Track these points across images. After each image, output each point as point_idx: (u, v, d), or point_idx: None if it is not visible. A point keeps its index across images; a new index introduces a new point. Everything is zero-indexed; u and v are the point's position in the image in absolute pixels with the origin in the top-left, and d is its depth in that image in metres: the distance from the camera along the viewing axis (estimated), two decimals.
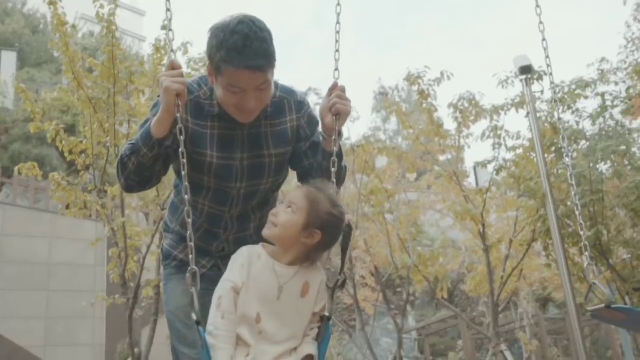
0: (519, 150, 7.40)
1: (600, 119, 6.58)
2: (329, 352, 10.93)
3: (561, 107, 6.58)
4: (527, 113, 5.77)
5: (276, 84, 2.28)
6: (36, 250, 11.37)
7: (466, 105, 7.68)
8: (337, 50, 2.28)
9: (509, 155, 7.52)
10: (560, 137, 3.26)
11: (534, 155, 5.96)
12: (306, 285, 2.00)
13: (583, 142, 6.49)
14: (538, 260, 9.11)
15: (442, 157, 8.49)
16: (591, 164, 5.97)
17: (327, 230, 1.99)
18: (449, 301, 9.81)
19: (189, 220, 1.96)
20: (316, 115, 2.39)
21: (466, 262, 10.15)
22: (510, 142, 7.46)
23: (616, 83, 7.20)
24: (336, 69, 2.26)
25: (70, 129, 10.59)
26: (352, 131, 26.62)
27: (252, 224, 2.36)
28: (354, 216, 8.44)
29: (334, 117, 2.18)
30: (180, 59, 6.74)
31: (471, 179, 10.66)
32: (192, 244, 1.94)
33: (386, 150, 8.94)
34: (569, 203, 6.04)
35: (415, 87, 7.98)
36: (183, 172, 1.99)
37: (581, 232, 2.97)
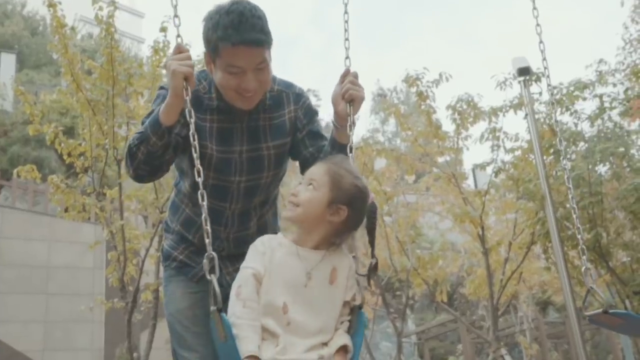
0: (518, 153, 7.40)
1: (599, 121, 6.57)
2: None
3: (559, 109, 6.58)
4: (526, 115, 5.77)
5: (274, 79, 2.30)
6: (35, 254, 11.35)
7: (465, 107, 7.68)
8: (346, 39, 2.23)
9: (508, 158, 7.52)
10: (558, 140, 3.25)
11: (533, 157, 5.97)
12: (334, 271, 1.87)
13: (582, 144, 6.48)
14: (538, 263, 9.10)
15: (441, 159, 8.49)
16: (590, 166, 5.96)
17: (354, 205, 1.87)
18: (448, 305, 9.79)
19: (204, 203, 1.88)
20: (315, 107, 2.40)
21: (466, 265, 10.16)
22: (509, 144, 7.46)
23: (614, 85, 7.19)
24: (347, 57, 2.19)
25: (70, 132, 10.57)
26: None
27: (252, 222, 2.35)
28: None
29: (348, 104, 2.11)
30: None
31: (470, 181, 10.64)
32: (207, 227, 1.85)
33: (385, 152, 8.95)
34: (568, 205, 6.01)
35: (413, 89, 7.98)
36: (195, 154, 1.92)
37: (579, 236, 2.96)
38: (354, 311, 1.88)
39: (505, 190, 8.07)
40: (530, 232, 7.02)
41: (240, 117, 2.23)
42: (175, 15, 2.00)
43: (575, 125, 6.69)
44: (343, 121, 2.13)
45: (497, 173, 7.61)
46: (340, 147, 2.15)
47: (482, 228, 7.65)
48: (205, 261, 1.77)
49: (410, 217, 9.44)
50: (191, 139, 1.92)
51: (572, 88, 6.74)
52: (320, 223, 1.87)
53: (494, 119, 7.55)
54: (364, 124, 38.25)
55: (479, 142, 7.65)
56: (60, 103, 13.00)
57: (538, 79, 6.56)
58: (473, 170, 9.04)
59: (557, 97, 6.55)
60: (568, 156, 6.28)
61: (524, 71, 5.56)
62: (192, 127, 1.93)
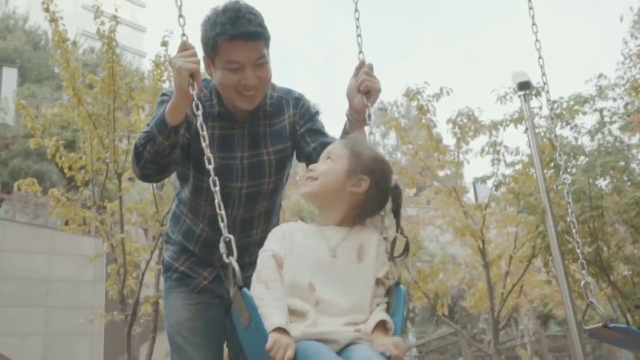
0: (518, 166, 7.40)
1: (599, 135, 6.58)
2: None
3: (560, 123, 6.60)
4: (526, 129, 5.77)
5: (274, 86, 2.33)
6: (35, 266, 11.33)
7: (465, 121, 7.70)
8: (359, 35, 2.19)
9: (509, 171, 7.52)
10: (558, 154, 3.27)
11: (534, 171, 5.97)
12: (362, 247, 1.74)
13: (582, 158, 6.49)
14: (538, 276, 9.07)
15: (441, 173, 8.49)
16: (591, 180, 5.96)
17: (376, 175, 1.77)
18: (449, 318, 9.76)
19: (216, 188, 1.80)
20: (314, 107, 2.40)
21: (466, 279, 10.12)
22: (509, 158, 7.47)
23: (614, 99, 7.22)
24: (360, 52, 2.16)
25: (71, 145, 10.61)
26: None
27: (254, 231, 2.34)
28: None
29: (364, 96, 2.06)
30: None
31: (471, 195, 10.65)
32: (222, 212, 1.75)
33: None
34: (568, 219, 6.02)
35: (414, 103, 8.00)
36: (204, 144, 1.84)
37: (578, 250, 2.96)
38: (392, 290, 1.76)
39: (506, 204, 8.06)
40: (531, 245, 7.01)
41: (241, 124, 2.25)
42: (180, 15, 1.99)
43: (576, 139, 6.71)
44: (359, 115, 2.09)
45: (497, 186, 7.61)
46: None
47: (483, 241, 7.63)
48: (222, 244, 1.67)
49: (411, 230, 9.42)
50: (200, 129, 1.86)
51: (572, 102, 6.76)
52: (342, 196, 1.76)
53: (494, 132, 7.56)
54: None
55: (479, 155, 7.67)
56: (61, 117, 12.98)
57: (538, 93, 6.58)
58: (474, 184, 9.06)
59: (558, 111, 6.57)
60: (569, 170, 6.29)
61: (524, 85, 5.57)
62: (199, 118, 1.87)
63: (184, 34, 1.97)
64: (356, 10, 2.24)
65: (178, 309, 2.35)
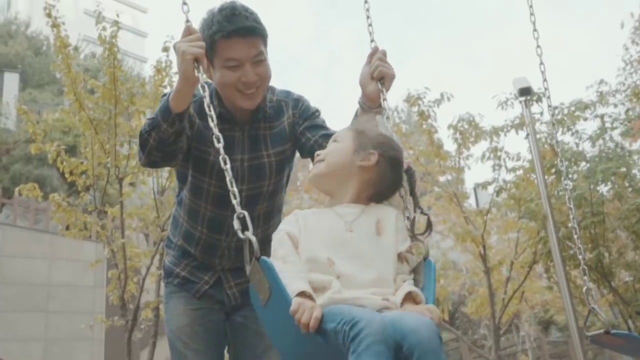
0: (520, 172, 7.41)
1: (600, 141, 6.59)
2: None
3: (561, 129, 6.61)
4: (527, 135, 5.78)
5: (273, 90, 2.34)
6: (36, 271, 11.32)
7: (466, 126, 7.70)
8: (370, 25, 2.16)
9: (510, 177, 7.53)
10: (559, 160, 3.26)
11: (535, 176, 5.97)
12: (379, 222, 1.69)
13: (583, 164, 6.49)
14: (540, 282, 9.06)
15: (442, 179, 8.48)
16: (592, 186, 5.97)
17: (383, 149, 1.75)
18: (450, 324, 9.73)
19: (227, 166, 1.74)
20: (314, 107, 2.39)
21: (467, 284, 10.11)
22: (510, 164, 7.47)
23: (615, 105, 7.24)
24: (372, 40, 2.12)
25: (72, 150, 10.61)
26: None
27: (255, 232, 2.32)
28: None
29: (379, 82, 2.01)
30: None
31: (471, 201, 10.64)
32: (234, 189, 1.72)
33: None
34: (569, 225, 6.02)
35: (415, 109, 8.00)
36: (212, 123, 1.78)
37: (580, 256, 2.95)
38: (420, 266, 1.70)
39: (507, 210, 8.05)
40: (532, 251, 7.00)
41: (241, 126, 2.25)
42: (184, 3, 1.96)
43: (577, 145, 6.71)
44: (374, 102, 2.03)
45: (498, 192, 7.61)
46: None
47: (484, 247, 7.62)
48: (236, 220, 1.63)
49: None
50: (207, 109, 1.81)
51: (573, 108, 6.77)
52: (352, 172, 1.73)
53: (495, 138, 7.56)
54: None
55: (480, 161, 7.67)
56: (62, 122, 13.05)
57: (539, 99, 6.59)
58: (474, 190, 9.03)
59: (559, 117, 6.58)
60: (570, 176, 6.29)
61: (525, 91, 5.58)
62: (206, 99, 1.82)
63: (188, 20, 1.94)
64: (366, 2, 2.22)
65: (178, 315, 2.34)
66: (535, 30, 3.01)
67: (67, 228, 7.09)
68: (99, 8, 6.72)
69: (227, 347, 2.42)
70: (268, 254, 1.65)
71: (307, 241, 1.64)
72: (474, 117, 7.70)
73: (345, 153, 1.75)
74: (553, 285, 7.04)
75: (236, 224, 1.62)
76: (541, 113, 7.00)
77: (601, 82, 7.42)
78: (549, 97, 3.18)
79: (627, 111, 7.07)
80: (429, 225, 1.75)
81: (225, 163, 1.75)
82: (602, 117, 6.76)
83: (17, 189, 7.12)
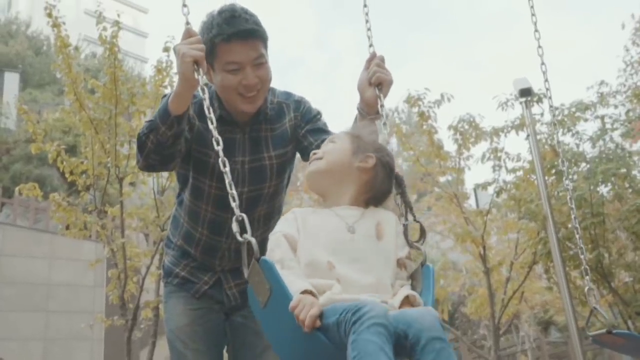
0: (520, 173, 7.40)
1: (601, 142, 6.59)
2: None
3: (561, 130, 6.60)
4: (528, 135, 5.78)
5: (274, 91, 2.33)
6: (36, 271, 11.33)
7: (466, 127, 7.70)
8: (369, 29, 2.16)
9: (510, 178, 7.52)
10: (560, 160, 3.26)
11: (535, 177, 5.97)
12: (379, 225, 1.69)
13: (583, 164, 6.49)
14: (539, 283, 9.06)
15: (442, 179, 8.48)
16: (592, 187, 5.96)
17: (380, 154, 1.76)
18: (449, 324, 9.74)
19: (226, 169, 1.74)
20: (316, 108, 2.39)
21: (467, 285, 10.09)
22: (510, 165, 7.46)
23: (616, 106, 7.24)
24: (371, 45, 2.13)
25: (72, 150, 10.61)
26: None
27: (255, 234, 2.32)
28: None
29: (376, 88, 2.02)
30: None
31: (472, 201, 10.64)
32: (233, 192, 1.72)
33: None
34: (570, 226, 6.03)
35: (415, 109, 8.00)
36: (212, 126, 1.78)
37: (582, 256, 2.95)
38: (417, 271, 1.70)
39: (507, 210, 8.05)
40: (532, 252, 7.00)
41: (242, 128, 2.24)
42: (184, 5, 1.95)
43: (577, 146, 6.71)
44: (371, 108, 2.04)
45: (498, 193, 7.60)
46: None
47: (484, 247, 7.62)
48: (234, 223, 1.62)
49: (411, 236, 9.40)
50: (207, 112, 1.80)
51: (573, 109, 6.77)
52: (350, 172, 1.73)
53: (495, 139, 7.56)
54: None
55: (480, 162, 7.66)
56: (63, 122, 13.07)
57: (539, 100, 6.59)
58: (475, 190, 9.03)
59: (559, 118, 6.58)
60: (570, 177, 6.29)
61: (526, 92, 5.57)
62: (206, 102, 1.81)
63: (188, 23, 1.93)
64: (365, 6, 2.23)
65: (178, 314, 2.34)
66: (536, 30, 3.00)
67: (67, 228, 7.09)
68: (100, 8, 6.73)
69: (226, 347, 2.42)
70: None
71: (307, 242, 1.63)
72: (474, 118, 7.70)
73: (344, 153, 1.76)
74: (553, 286, 7.04)
75: (235, 227, 1.61)
76: (541, 114, 7.01)
77: (602, 83, 7.43)
78: (550, 97, 3.17)
79: (627, 112, 7.07)
80: (423, 232, 1.75)
81: (224, 166, 1.74)
82: (602, 118, 6.76)
83: (17, 189, 7.11)
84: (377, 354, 1.29)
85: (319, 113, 2.38)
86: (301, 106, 2.35)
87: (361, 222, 1.68)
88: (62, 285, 11.44)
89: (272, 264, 1.51)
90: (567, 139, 6.73)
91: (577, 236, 2.94)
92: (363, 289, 1.55)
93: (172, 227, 2.47)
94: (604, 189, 6.29)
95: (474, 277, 9.66)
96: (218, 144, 1.76)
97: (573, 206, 3.03)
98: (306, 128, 2.30)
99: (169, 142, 2.00)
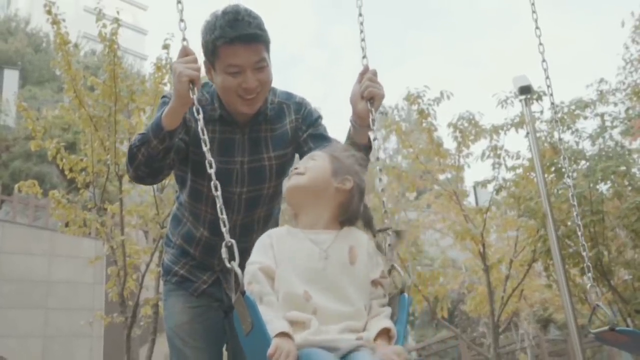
0: (519, 170, 7.41)
1: (600, 140, 6.59)
2: None
3: (561, 128, 6.60)
4: (527, 133, 5.77)
5: (274, 91, 2.33)
6: (35, 268, 11.33)
7: (466, 125, 7.69)
8: (363, 40, 2.16)
9: (509, 175, 7.53)
10: (562, 157, 3.26)
11: (534, 175, 5.96)
12: (352, 249, 1.72)
13: (583, 162, 6.49)
14: (539, 280, 9.06)
15: (442, 177, 8.48)
16: (591, 185, 5.96)
17: (358, 179, 1.80)
18: (449, 322, 9.73)
19: (218, 193, 1.75)
20: (316, 111, 2.38)
21: (466, 282, 10.11)
22: (510, 162, 7.47)
23: (615, 104, 7.24)
24: (364, 57, 2.13)
25: (71, 147, 10.62)
26: None
27: (255, 235, 2.32)
28: None
29: (368, 102, 2.03)
30: None
31: (471, 199, 10.63)
32: (224, 216, 1.71)
33: (386, 169, 8.94)
34: (569, 223, 6.03)
35: (415, 107, 8.00)
36: (205, 148, 1.79)
37: (583, 253, 2.95)
38: (395, 298, 1.74)
39: (507, 208, 8.05)
40: (532, 249, 7.00)
41: (241, 128, 2.24)
42: (181, 20, 1.96)
43: (577, 143, 6.71)
44: (363, 121, 2.06)
45: (498, 191, 7.61)
46: (358, 147, 2.05)
47: (483, 245, 7.62)
48: (224, 249, 1.63)
49: (411, 233, 9.41)
50: (200, 133, 1.81)
51: (573, 107, 6.76)
52: (329, 192, 1.77)
53: (495, 136, 7.56)
54: None
55: (480, 159, 7.66)
56: (62, 119, 13.03)
57: (539, 98, 6.58)
58: (474, 188, 9.01)
59: (559, 115, 6.57)
60: (569, 174, 6.29)
61: (525, 90, 5.56)
62: (200, 123, 1.82)
63: (184, 39, 1.95)
64: (360, 15, 2.22)
65: (177, 312, 2.35)
66: (537, 27, 3.00)
67: (67, 225, 7.08)
68: (99, 5, 6.70)
69: (225, 344, 2.42)
70: None
71: (283, 273, 1.66)
72: (473, 116, 7.70)
73: (325, 172, 1.79)
74: (552, 284, 7.04)
75: (224, 252, 1.62)
76: (541, 112, 7.01)
77: (601, 80, 7.42)
78: (551, 95, 3.17)
79: (627, 110, 7.07)
80: (399, 238, 1.80)
81: (216, 189, 1.76)
82: (602, 115, 6.76)
83: (16, 186, 7.10)
84: None
85: (319, 117, 2.37)
86: (302, 108, 2.34)
87: (334, 246, 1.71)
88: (62, 283, 11.44)
89: (254, 302, 1.54)
90: (567, 136, 6.73)
91: (579, 234, 2.94)
92: (340, 318, 1.61)
93: (172, 226, 2.47)
94: (603, 187, 6.29)
95: (473, 275, 9.67)
96: (211, 166, 1.78)
97: (575, 203, 3.02)
98: (307, 132, 2.30)
99: (160, 156, 2.04)
